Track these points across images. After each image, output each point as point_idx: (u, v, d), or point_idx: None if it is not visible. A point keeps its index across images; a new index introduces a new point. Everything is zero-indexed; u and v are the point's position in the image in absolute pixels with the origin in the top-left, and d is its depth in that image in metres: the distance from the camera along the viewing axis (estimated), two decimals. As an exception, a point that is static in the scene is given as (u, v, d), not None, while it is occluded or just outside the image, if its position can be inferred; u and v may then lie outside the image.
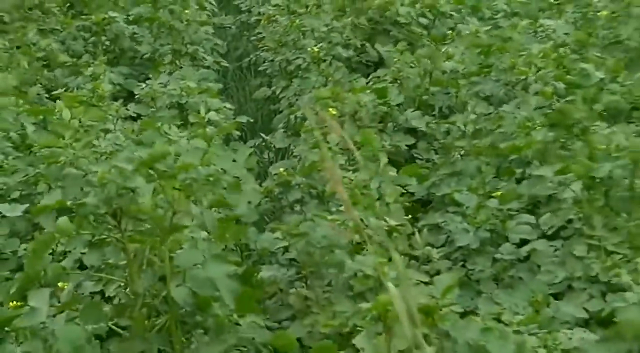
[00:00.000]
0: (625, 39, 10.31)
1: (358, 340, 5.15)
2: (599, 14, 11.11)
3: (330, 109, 8.38)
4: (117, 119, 8.91)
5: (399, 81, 9.71)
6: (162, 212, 5.32)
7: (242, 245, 6.76)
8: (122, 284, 5.48)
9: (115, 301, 5.56)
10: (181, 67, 11.18)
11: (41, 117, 8.38)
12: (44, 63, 11.09)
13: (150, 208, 5.28)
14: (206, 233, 5.64)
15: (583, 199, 7.03)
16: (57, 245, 6.00)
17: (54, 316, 5.38)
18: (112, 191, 5.22)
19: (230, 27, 13.68)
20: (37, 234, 6.16)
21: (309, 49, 10.89)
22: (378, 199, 7.03)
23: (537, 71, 9.38)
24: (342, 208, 6.66)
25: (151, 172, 5.36)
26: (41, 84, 10.26)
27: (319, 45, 10.89)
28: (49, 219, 5.39)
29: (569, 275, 6.59)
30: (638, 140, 7.15)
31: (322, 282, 6.25)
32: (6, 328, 5.32)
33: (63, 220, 5.29)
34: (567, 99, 8.65)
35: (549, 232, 7.12)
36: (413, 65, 9.90)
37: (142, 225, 5.37)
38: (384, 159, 7.76)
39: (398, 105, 9.20)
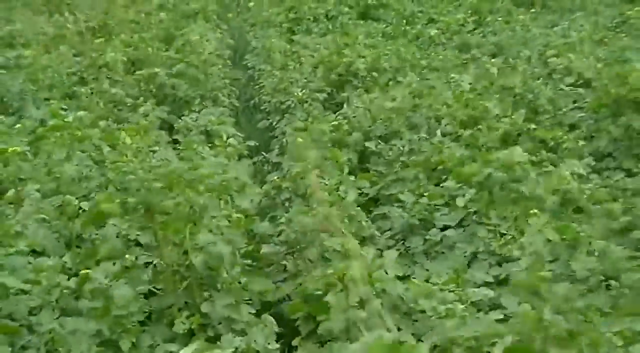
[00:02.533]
0: (514, 83, 10.28)
1: (329, 297, 5.14)
2: (493, 69, 11.11)
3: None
4: (164, 143, 8.95)
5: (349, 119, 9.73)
6: (183, 208, 5.36)
7: (250, 230, 6.76)
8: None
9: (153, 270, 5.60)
10: (206, 107, 11.14)
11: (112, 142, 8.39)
12: (113, 104, 11.04)
13: (173, 206, 5.36)
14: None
15: (476, 197, 7.03)
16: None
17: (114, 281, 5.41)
18: (142, 194, 5.39)
19: (241, 79, 13.63)
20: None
21: (295, 93, 10.91)
22: (343, 199, 7.03)
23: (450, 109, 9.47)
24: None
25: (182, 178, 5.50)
26: (111, 118, 10.18)
27: (302, 91, 10.91)
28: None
29: (475, 250, 6.58)
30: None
31: (303, 256, 6.24)
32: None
33: (108, 206, 5.48)
34: (476, 128, 8.66)
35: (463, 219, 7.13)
36: (366, 105, 9.92)
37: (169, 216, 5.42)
38: (346, 170, 7.79)
39: (349, 133, 9.24)
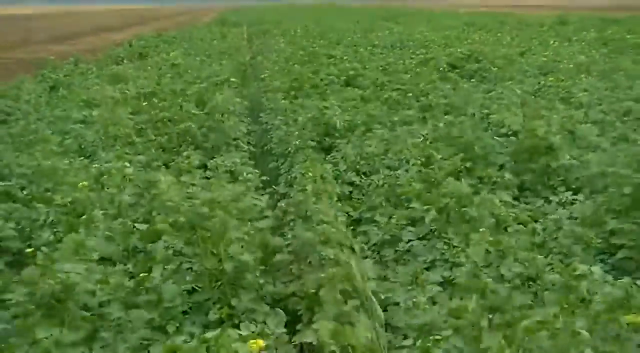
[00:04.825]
0: (461, 134, 10.31)
1: (322, 293, 5.15)
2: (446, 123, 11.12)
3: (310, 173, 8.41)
4: (200, 178, 8.95)
5: (344, 158, 9.75)
6: (219, 227, 5.38)
7: (264, 243, 6.72)
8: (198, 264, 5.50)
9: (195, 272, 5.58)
10: (231, 152, 11.17)
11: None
12: (162, 149, 11.08)
13: (211, 225, 5.33)
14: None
15: (436, 218, 7.03)
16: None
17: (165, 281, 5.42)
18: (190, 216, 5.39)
19: (257, 131, 13.67)
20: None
21: (295, 142, 10.94)
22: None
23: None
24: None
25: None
26: (160, 160, 10.21)
27: (300, 141, 10.94)
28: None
29: (433, 258, 6.58)
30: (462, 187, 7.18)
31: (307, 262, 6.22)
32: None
33: (164, 225, 5.45)
34: (431, 167, 8.68)
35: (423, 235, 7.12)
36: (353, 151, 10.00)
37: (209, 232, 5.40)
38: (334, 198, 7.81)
39: (344, 171, 9.27)
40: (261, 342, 3.81)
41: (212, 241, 5.46)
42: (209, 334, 3.94)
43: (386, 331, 5.21)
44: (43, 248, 6.35)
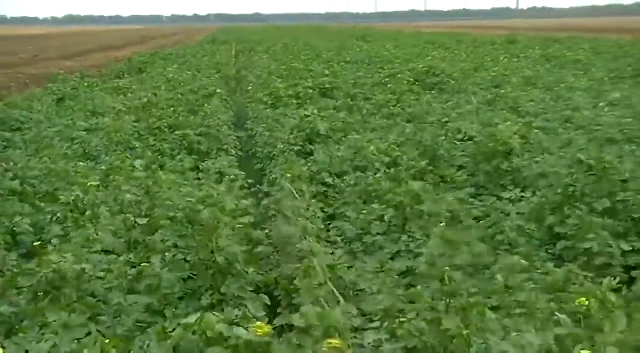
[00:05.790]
0: (423, 139, 10.33)
1: (298, 282, 5.12)
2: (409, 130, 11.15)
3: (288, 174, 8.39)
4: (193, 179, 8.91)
5: (316, 162, 9.72)
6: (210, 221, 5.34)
7: (249, 236, 6.69)
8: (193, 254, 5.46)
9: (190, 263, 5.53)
10: (220, 156, 11.12)
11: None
12: (159, 154, 11.01)
13: (205, 220, 5.30)
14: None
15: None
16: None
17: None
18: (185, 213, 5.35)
19: (242, 137, 13.62)
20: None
21: (278, 146, 10.90)
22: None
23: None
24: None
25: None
26: (157, 164, 10.13)
27: (282, 146, 10.91)
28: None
29: (397, 250, 6.57)
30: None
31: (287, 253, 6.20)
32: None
33: (166, 222, 5.47)
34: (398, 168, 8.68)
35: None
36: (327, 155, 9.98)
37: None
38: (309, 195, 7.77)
39: (317, 172, 9.25)
40: (266, 328, 3.77)
41: (205, 235, 5.43)
42: (191, 319, 3.93)
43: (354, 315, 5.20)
44: (53, 241, 6.36)
